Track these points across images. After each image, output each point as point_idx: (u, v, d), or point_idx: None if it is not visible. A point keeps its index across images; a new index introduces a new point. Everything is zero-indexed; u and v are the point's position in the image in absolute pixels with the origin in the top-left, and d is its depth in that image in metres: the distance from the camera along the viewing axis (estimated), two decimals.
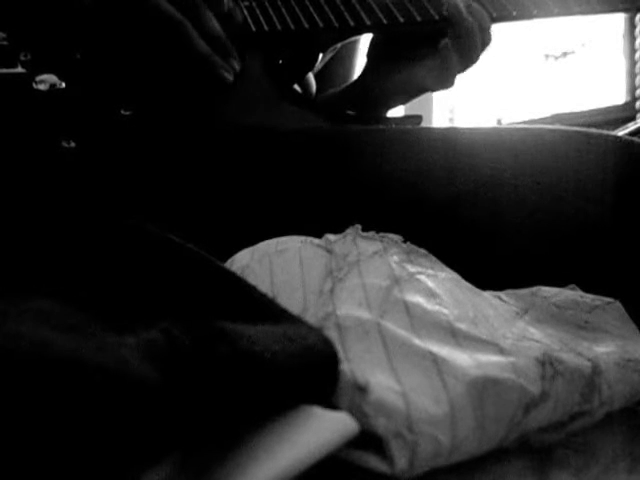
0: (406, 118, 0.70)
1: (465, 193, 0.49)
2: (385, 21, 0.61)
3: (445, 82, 0.68)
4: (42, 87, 0.53)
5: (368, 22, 0.61)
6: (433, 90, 0.71)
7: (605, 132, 0.51)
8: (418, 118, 0.69)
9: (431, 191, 0.50)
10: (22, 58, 0.53)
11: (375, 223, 0.42)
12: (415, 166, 0.51)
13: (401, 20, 0.61)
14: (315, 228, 0.42)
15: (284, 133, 0.57)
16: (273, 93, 0.61)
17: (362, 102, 0.71)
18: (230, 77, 0.56)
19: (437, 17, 0.63)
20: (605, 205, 0.46)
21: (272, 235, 0.41)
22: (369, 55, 0.71)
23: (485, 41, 0.66)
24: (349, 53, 0.86)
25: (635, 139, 0.50)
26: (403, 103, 0.74)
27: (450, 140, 0.52)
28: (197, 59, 0.54)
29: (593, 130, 0.51)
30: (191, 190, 0.55)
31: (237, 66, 0.57)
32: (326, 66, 0.82)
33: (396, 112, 0.77)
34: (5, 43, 0.54)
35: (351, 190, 0.52)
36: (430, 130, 0.56)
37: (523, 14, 0.65)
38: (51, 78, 0.53)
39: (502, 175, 0.49)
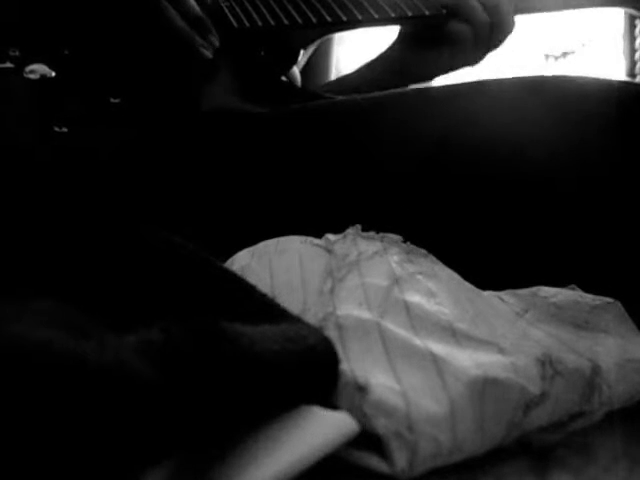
0: None
1: (461, 171, 0.48)
2: (360, 17, 0.64)
3: (467, 62, 0.71)
4: (32, 76, 0.54)
5: (344, 18, 0.64)
6: (434, 75, 0.73)
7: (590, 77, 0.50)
8: None
9: (425, 166, 0.49)
10: (11, 54, 0.54)
11: (373, 211, 0.41)
12: (408, 139, 0.51)
13: (375, 16, 0.64)
14: (314, 221, 0.42)
15: (274, 118, 0.57)
16: (255, 85, 0.63)
17: (390, 74, 0.73)
18: (209, 54, 0.58)
19: (427, 12, 0.66)
20: (603, 192, 0.45)
21: (272, 235, 0.41)
22: (400, 31, 0.74)
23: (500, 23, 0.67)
24: (327, 46, 0.88)
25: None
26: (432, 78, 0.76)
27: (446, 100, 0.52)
28: (177, 38, 0.56)
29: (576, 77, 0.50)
30: (189, 188, 0.55)
31: (216, 42, 0.58)
32: (308, 61, 0.84)
33: None
34: None
35: (348, 181, 0.52)
36: (426, 90, 0.56)
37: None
38: (41, 68, 0.54)
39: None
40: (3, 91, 0.54)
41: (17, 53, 0.54)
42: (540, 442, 0.31)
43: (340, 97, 0.60)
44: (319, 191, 0.52)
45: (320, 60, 0.89)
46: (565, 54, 2.07)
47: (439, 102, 0.51)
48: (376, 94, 0.56)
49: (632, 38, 1.93)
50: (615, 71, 1.98)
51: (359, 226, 0.39)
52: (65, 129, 0.53)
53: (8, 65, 0.54)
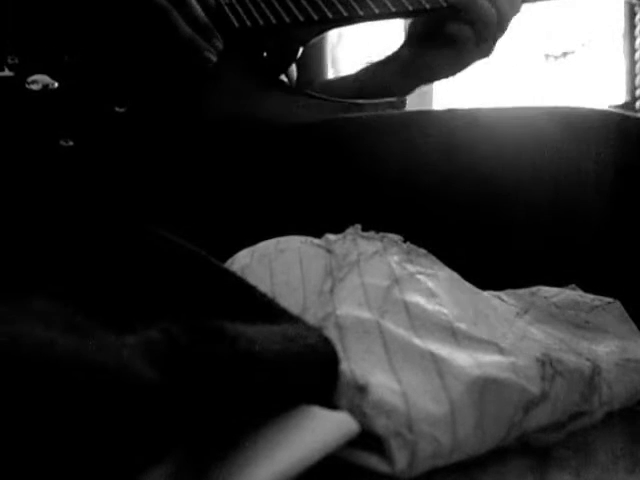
0: (389, 103, 0.70)
1: (462, 170, 0.49)
2: (361, 13, 0.64)
3: (455, 68, 0.69)
4: (35, 87, 0.53)
5: (345, 14, 0.63)
6: (444, 76, 0.72)
7: (599, 109, 0.51)
8: (402, 103, 0.70)
9: (427, 172, 0.50)
10: (9, 62, 0.54)
11: (373, 212, 0.41)
12: (411, 149, 0.51)
13: (376, 11, 0.64)
14: (314, 221, 0.42)
15: (280, 129, 0.57)
16: (258, 85, 0.62)
17: (400, 75, 0.72)
18: (213, 58, 0.57)
19: (428, 6, 0.64)
20: (603, 194, 0.46)
21: (272, 235, 0.41)
22: (408, 32, 0.73)
23: (503, 27, 0.66)
24: (321, 40, 0.88)
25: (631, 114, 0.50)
26: (439, 79, 0.74)
27: (448, 120, 0.53)
28: (181, 43, 0.55)
29: (584, 108, 0.51)
30: (190, 189, 0.55)
31: (220, 46, 0.58)
32: (302, 55, 0.84)
33: None
34: None
35: (348, 181, 0.52)
36: (428, 112, 0.56)
37: None
38: (43, 78, 0.53)
39: (502, 157, 0.49)
40: (5, 105, 0.53)
41: (16, 61, 0.53)
42: (540, 442, 0.31)
43: (342, 105, 0.60)
44: (319, 192, 0.52)
45: (315, 53, 0.88)
46: (565, 54, 2.07)
47: (460, 128, 0.51)
48: (381, 114, 0.56)
49: (632, 38, 1.94)
50: (615, 71, 1.99)
51: (359, 226, 0.39)
52: (71, 142, 0.52)
53: (7, 73, 0.53)
